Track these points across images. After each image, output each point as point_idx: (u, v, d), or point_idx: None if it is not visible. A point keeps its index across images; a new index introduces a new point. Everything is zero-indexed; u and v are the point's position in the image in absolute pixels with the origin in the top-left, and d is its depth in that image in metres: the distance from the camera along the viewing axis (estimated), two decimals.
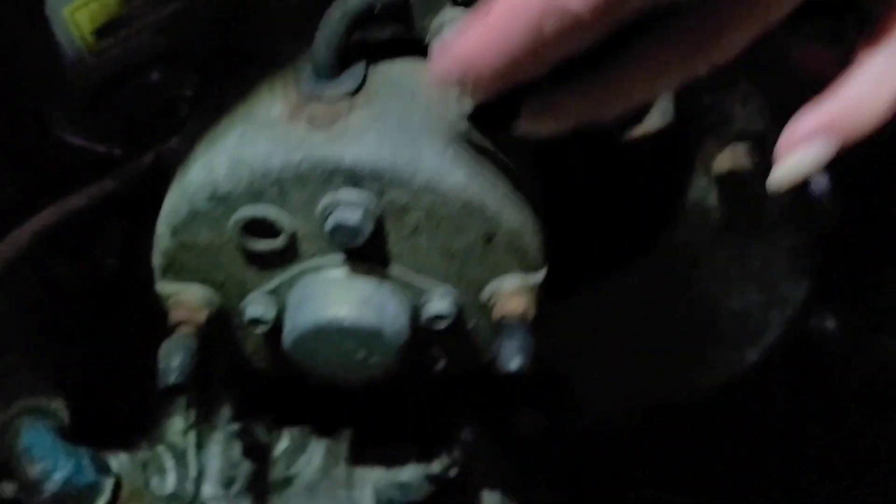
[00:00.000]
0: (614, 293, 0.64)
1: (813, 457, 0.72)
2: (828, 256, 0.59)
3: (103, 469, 0.49)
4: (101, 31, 0.49)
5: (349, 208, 0.42)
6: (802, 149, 0.35)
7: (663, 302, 0.63)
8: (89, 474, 0.48)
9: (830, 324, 0.67)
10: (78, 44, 0.48)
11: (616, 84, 0.38)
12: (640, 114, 0.54)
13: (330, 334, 0.45)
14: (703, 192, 0.56)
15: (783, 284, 0.58)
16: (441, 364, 0.51)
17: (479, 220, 0.43)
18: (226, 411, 0.60)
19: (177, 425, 0.58)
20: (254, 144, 0.42)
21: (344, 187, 0.42)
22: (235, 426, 0.55)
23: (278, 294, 0.46)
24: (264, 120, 0.43)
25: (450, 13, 0.43)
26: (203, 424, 0.59)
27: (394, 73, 0.44)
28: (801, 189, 0.56)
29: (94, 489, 0.49)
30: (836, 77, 0.37)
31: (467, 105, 0.42)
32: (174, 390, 0.44)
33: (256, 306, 0.46)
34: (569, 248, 0.60)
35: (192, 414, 0.59)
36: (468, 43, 0.35)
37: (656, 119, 0.52)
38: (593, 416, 0.68)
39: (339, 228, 0.42)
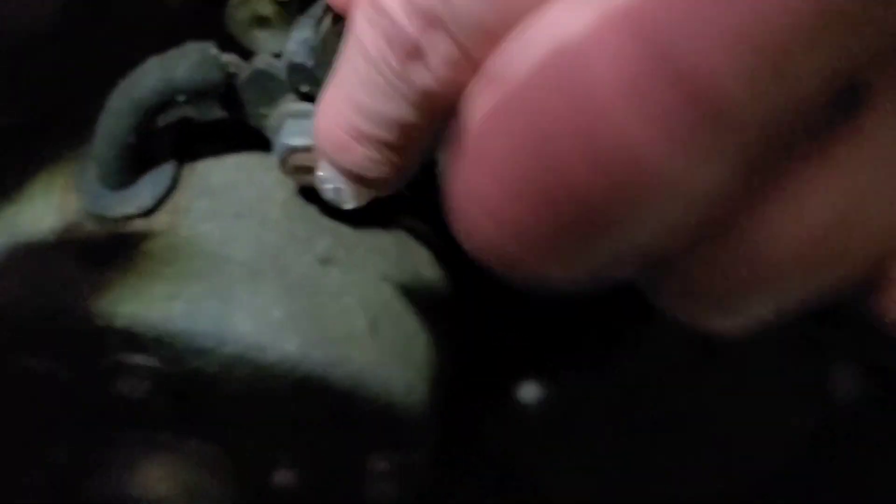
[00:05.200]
0: (588, 392, 0.52)
1: None
2: None
3: None
4: None
5: (131, 378, 0.30)
6: None
7: (638, 412, 0.50)
8: None
9: None
10: None
11: None
12: None
13: None
14: None
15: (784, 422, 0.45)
16: None
17: (322, 398, 0.31)
18: None
19: None
20: (9, 277, 0.30)
21: (123, 352, 0.29)
22: None
23: None
24: (29, 235, 0.30)
25: (293, 106, 0.29)
26: None
27: (218, 176, 0.31)
28: None
29: None
30: None
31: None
32: None
33: None
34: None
35: None
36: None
37: None
38: None
39: (121, 401, 0.30)
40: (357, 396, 0.31)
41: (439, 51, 0.19)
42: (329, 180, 0.25)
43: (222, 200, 0.31)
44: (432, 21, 0.18)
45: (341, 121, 0.22)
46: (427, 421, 0.34)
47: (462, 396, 0.41)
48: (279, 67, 0.29)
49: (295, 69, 0.28)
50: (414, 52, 0.19)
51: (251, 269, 0.30)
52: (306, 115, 0.29)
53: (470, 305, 0.39)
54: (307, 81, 0.28)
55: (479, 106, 0.18)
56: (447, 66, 0.19)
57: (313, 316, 0.30)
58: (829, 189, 0.16)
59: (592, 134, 0.15)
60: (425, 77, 0.19)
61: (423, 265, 0.34)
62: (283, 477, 0.35)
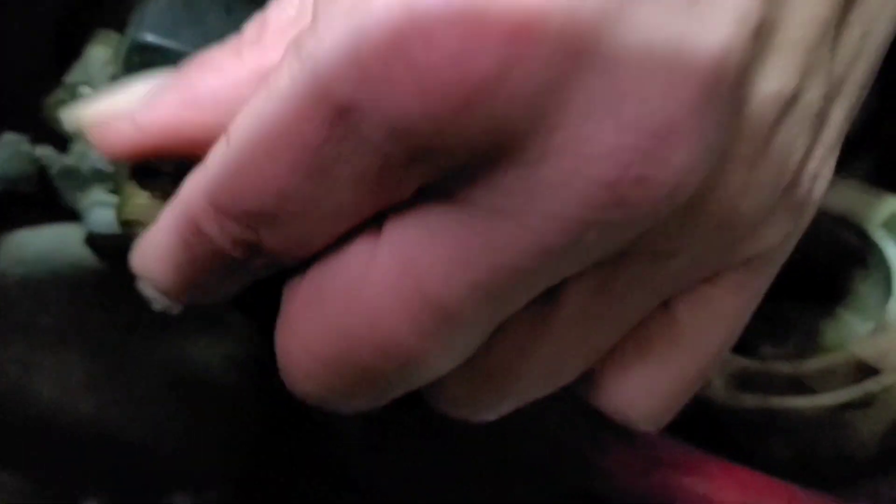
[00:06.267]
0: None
1: None
2: None
3: None
4: None
5: None
6: None
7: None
8: None
9: None
10: None
11: None
12: None
13: None
14: None
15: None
16: None
17: (120, 450, 0.35)
18: None
19: None
20: None
21: None
22: None
23: None
24: None
25: (99, 196, 0.33)
26: None
27: (33, 246, 0.35)
28: None
29: None
30: None
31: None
32: None
33: None
34: None
35: None
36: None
37: None
38: None
39: None
40: (154, 447, 0.35)
41: (256, 264, 0.25)
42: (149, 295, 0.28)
43: (35, 269, 0.34)
44: (248, 246, 0.24)
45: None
46: (225, 463, 0.38)
47: (292, 419, 0.45)
48: (86, 163, 0.32)
49: (96, 172, 0.31)
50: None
51: (57, 336, 0.34)
52: (110, 206, 0.32)
53: None
54: (107, 183, 0.32)
55: (293, 302, 0.25)
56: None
57: (113, 378, 0.34)
58: (540, 344, 0.25)
59: (374, 335, 0.23)
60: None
61: (228, 326, 0.38)
62: None
